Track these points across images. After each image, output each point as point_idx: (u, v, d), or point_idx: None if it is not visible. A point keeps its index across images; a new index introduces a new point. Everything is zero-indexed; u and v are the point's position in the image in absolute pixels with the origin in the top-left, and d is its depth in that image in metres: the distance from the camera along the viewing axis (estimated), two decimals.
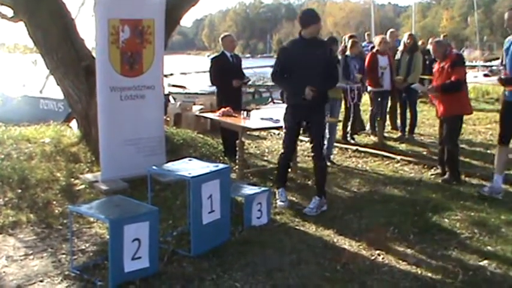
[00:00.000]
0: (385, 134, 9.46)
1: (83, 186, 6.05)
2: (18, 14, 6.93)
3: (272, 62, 7.22)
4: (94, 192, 5.91)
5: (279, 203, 5.72)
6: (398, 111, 9.64)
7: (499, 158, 6.05)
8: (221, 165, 4.77)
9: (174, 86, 16.95)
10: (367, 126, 9.96)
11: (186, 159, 4.98)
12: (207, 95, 15.02)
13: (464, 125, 7.37)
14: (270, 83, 18.47)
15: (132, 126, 6.21)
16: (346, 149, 8.54)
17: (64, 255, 4.39)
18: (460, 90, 6.43)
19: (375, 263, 4.32)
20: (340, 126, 8.90)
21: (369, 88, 9.22)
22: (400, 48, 9.37)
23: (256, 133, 9.43)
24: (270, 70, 6.18)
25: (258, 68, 23.08)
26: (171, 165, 4.83)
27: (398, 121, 9.68)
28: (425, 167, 7.38)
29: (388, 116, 9.82)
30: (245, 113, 7.07)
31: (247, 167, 7.20)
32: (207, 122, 9.97)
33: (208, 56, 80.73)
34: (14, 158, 6.64)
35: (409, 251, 4.56)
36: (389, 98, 9.46)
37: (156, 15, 6.25)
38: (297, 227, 5.15)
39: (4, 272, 4.11)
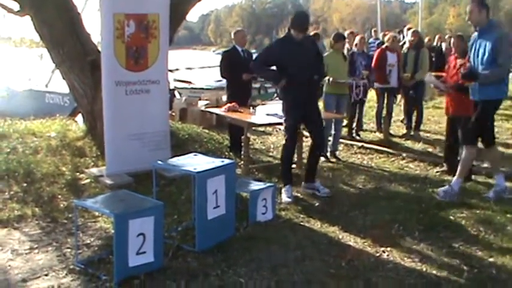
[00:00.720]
0: (391, 131, 9.43)
1: (88, 180, 6.05)
2: (24, 8, 6.94)
3: None
4: (99, 186, 5.92)
5: (284, 198, 5.72)
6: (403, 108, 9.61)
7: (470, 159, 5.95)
8: (226, 161, 4.76)
9: (179, 81, 16.95)
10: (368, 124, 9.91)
11: (191, 154, 4.98)
12: (213, 90, 15.03)
13: None
14: None
15: (137, 121, 6.21)
16: (352, 145, 8.52)
17: (69, 249, 4.39)
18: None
19: (380, 260, 4.31)
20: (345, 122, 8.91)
21: (376, 84, 9.19)
22: (406, 45, 9.32)
23: (261, 129, 9.40)
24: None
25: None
26: (176, 160, 4.83)
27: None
28: (431, 164, 7.35)
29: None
30: (251, 108, 7.08)
31: (253, 163, 7.19)
32: (212, 117, 9.97)
33: (213, 51, 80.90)
34: (20, 152, 6.65)
35: (414, 248, 4.54)
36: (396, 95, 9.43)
37: (161, 10, 6.25)
38: (302, 223, 5.14)
39: (9, 265, 4.12)
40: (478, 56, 5.63)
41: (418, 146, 8.60)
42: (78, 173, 6.24)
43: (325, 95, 7.89)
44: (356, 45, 9.00)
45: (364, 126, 9.87)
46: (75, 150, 6.90)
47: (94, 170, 6.29)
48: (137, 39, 6.11)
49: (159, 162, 4.81)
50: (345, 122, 9.04)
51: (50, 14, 6.67)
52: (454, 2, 76.53)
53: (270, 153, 8.11)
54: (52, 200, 5.51)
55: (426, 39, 12.09)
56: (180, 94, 14.52)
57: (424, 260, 4.28)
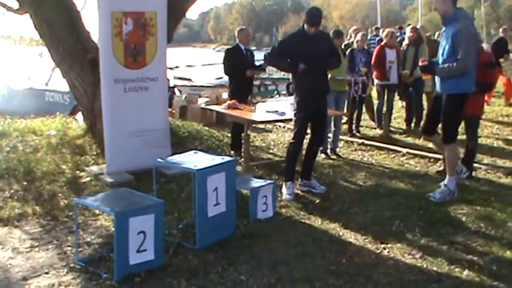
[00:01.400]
0: (391, 128, 9.43)
1: (88, 178, 6.05)
2: (24, 6, 6.94)
3: None
4: (99, 184, 5.92)
5: (285, 196, 5.72)
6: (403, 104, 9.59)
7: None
8: (227, 158, 4.75)
9: (179, 78, 16.97)
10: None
11: (191, 152, 4.98)
12: (213, 87, 15.03)
13: None
14: (276, 76, 18.46)
15: (136, 118, 6.22)
16: (352, 142, 8.52)
17: (69, 248, 4.40)
18: (486, 92, 6.13)
19: (381, 257, 4.31)
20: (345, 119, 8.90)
21: (376, 81, 9.18)
22: (405, 41, 9.30)
23: (261, 126, 9.41)
24: None
25: (263, 61, 23.00)
26: (177, 158, 4.83)
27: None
28: (431, 160, 7.35)
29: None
30: (251, 105, 7.08)
31: (253, 160, 7.19)
32: (212, 115, 9.96)
33: (213, 48, 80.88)
34: (20, 151, 6.66)
35: (414, 244, 4.53)
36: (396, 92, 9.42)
37: (159, 8, 6.26)
38: (302, 220, 5.14)
39: (10, 263, 4.12)
40: (441, 48, 5.49)
41: (419, 142, 8.59)
42: (78, 171, 6.24)
43: None
44: (357, 42, 8.99)
45: (365, 123, 9.86)
46: (76, 148, 6.91)
47: (94, 168, 6.29)
48: (135, 36, 6.12)
49: (159, 160, 4.80)
50: (345, 119, 9.03)
51: (50, 12, 6.67)
52: None
53: (271, 151, 8.10)
54: (52, 198, 5.51)
55: (427, 34, 11.96)
56: (180, 91, 14.53)
57: (425, 257, 4.28)
